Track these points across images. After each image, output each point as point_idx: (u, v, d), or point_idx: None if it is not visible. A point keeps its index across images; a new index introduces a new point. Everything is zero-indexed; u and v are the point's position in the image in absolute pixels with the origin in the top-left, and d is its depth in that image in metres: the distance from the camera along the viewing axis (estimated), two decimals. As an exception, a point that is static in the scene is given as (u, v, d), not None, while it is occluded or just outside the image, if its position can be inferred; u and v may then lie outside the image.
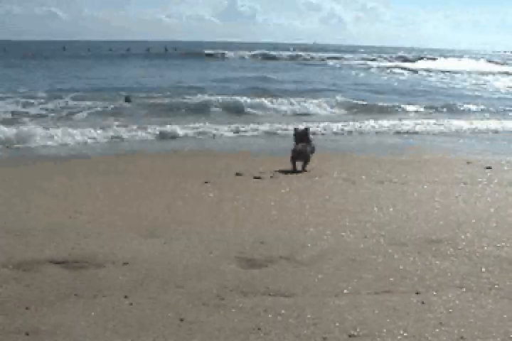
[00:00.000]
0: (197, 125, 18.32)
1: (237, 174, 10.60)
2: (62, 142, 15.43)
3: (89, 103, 22.86)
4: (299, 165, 11.15)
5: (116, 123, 18.28)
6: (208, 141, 16.61)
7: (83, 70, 43.68)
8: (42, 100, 23.49)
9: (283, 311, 4.68)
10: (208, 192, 8.99)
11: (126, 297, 4.95)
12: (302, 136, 11.65)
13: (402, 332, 4.32)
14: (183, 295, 5.01)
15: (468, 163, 12.26)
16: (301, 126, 12.73)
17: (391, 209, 7.95)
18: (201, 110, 22.61)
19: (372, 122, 20.05)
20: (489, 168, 11.56)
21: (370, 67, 60.47)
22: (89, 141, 15.86)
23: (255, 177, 10.26)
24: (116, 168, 11.41)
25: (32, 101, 23.03)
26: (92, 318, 4.57)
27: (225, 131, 17.87)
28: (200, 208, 8.04)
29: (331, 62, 68.92)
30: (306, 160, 11.22)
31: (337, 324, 4.46)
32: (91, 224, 7.12)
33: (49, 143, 15.26)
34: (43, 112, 21.06)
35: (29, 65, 49.03)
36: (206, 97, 24.91)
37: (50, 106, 22.34)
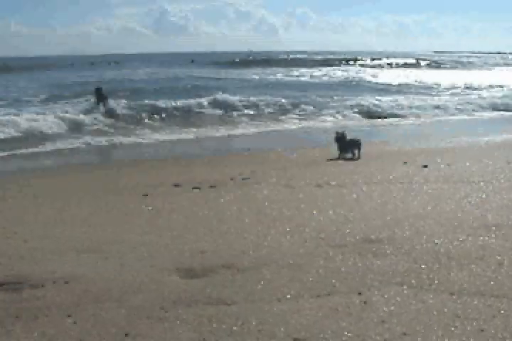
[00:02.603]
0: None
1: (176, 185, 10.53)
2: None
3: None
4: None
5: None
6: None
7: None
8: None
9: (227, 319, 4.65)
10: (147, 205, 8.91)
11: (69, 316, 4.85)
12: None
13: (346, 333, 4.34)
14: (126, 309, 4.94)
15: (404, 162, 12.44)
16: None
17: (330, 212, 8.00)
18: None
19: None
20: (426, 166, 11.74)
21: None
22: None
23: (194, 188, 10.21)
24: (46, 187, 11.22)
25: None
26: (34, 339, 4.47)
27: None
28: (138, 222, 7.95)
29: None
30: None
31: (282, 329, 4.45)
32: (26, 246, 6.95)
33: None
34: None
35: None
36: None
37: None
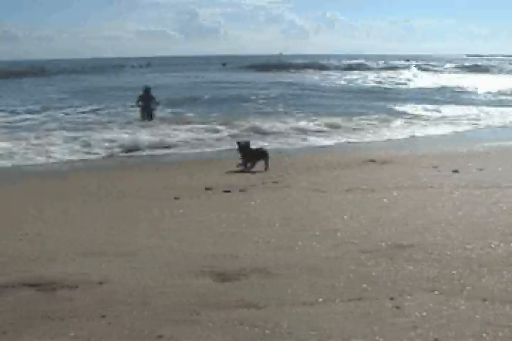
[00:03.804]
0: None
1: (207, 188, 10.60)
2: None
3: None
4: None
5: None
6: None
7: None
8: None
9: (258, 323, 4.67)
10: (178, 209, 8.98)
11: (102, 316, 4.92)
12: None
13: (377, 338, 4.35)
14: (158, 312, 4.99)
15: (434, 167, 12.39)
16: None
17: (360, 217, 8.01)
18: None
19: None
20: (456, 171, 11.68)
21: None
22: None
23: (225, 191, 10.28)
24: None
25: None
26: (68, 340, 4.54)
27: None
28: (169, 225, 8.02)
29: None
30: None
31: (312, 333, 4.47)
32: (56, 248, 7.05)
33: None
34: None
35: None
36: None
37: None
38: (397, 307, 4.88)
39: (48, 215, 8.93)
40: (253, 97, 35.16)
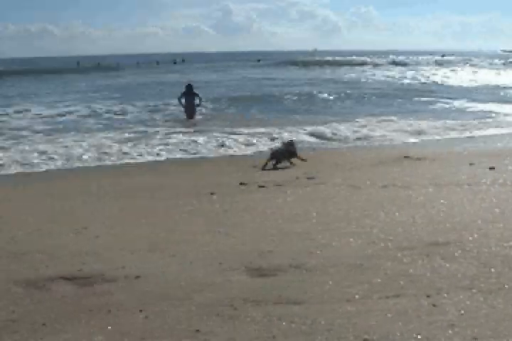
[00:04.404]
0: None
1: (242, 184, 10.64)
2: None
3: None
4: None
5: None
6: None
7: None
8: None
9: (296, 319, 4.71)
10: (214, 204, 9.03)
11: (140, 311, 4.99)
12: None
13: (415, 335, 4.35)
14: (196, 306, 5.05)
15: (470, 164, 12.30)
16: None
17: (396, 214, 7.98)
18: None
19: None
20: (492, 168, 11.58)
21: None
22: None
23: (260, 186, 10.31)
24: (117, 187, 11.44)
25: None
26: (107, 334, 4.61)
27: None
28: (204, 221, 8.09)
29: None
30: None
31: (350, 329, 4.49)
32: (96, 242, 7.17)
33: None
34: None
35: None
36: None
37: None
38: (435, 305, 4.88)
39: (95, 211, 9.04)
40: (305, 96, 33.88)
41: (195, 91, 24.53)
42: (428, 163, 12.92)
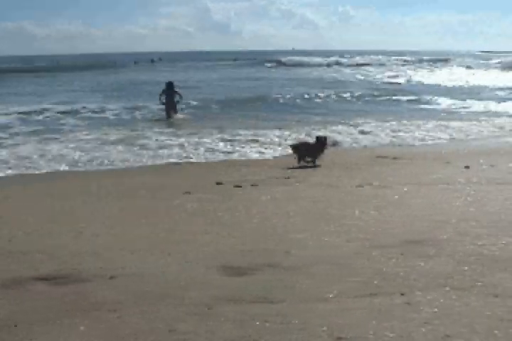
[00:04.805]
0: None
1: (218, 183, 10.62)
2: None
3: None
4: None
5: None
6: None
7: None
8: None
9: (271, 318, 4.70)
10: (189, 204, 9.01)
11: (115, 311, 4.96)
12: None
13: (388, 333, 4.36)
14: (172, 306, 5.03)
15: (446, 163, 12.39)
16: None
17: (373, 213, 8.02)
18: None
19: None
20: (468, 167, 11.68)
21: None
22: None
23: (236, 186, 10.30)
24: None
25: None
26: (82, 333, 4.57)
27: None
28: (181, 220, 8.06)
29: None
30: None
31: (324, 328, 4.49)
32: (76, 243, 7.10)
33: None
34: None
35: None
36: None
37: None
38: (409, 303, 4.90)
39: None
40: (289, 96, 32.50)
41: (176, 89, 24.44)
42: (405, 163, 13.00)
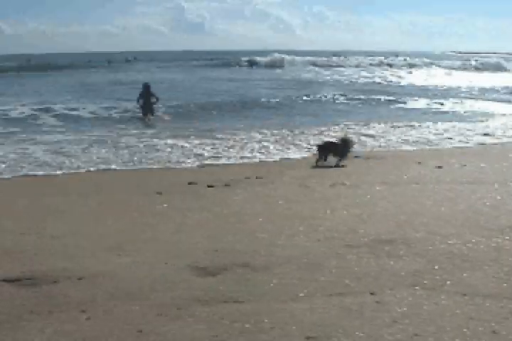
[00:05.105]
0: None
1: (190, 183, 10.57)
2: None
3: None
4: None
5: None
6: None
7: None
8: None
9: (240, 318, 4.68)
10: (161, 203, 8.96)
11: (83, 312, 4.90)
12: None
13: (357, 333, 4.37)
14: (139, 307, 4.99)
15: (418, 163, 12.46)
16: None
17: (344, 212, 8.03)
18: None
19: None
20: (440, 167, 11.75)
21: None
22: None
23: (209, 186, 10.26)
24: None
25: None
26: (48, 335, 4.52)
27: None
28: (152, 220, 8.00)
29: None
30: None
31: (294, 327, 4.48)
32: (43, 242, 7.01)
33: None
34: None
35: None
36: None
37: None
38: (378, 302, 4.91)
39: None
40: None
41: (152, 90, 24.28)
42: (377, 163, 13.03)
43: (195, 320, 4.70)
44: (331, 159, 12.97)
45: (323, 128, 19.00)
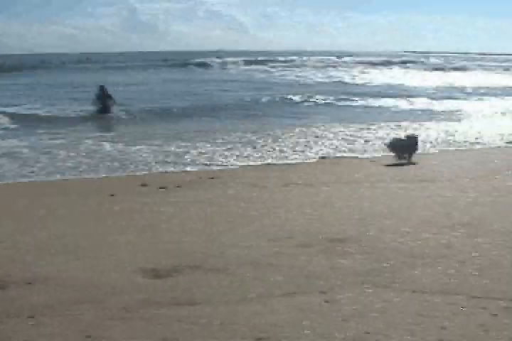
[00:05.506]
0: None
1: (142, 185, 10.50)
2: None
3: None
4: None
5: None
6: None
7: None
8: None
9: (191, 320, 4.64)
10: (112, 206, 8.87)
11: (30, 317, 4.81)
12: None
13: (308, 332, 4.36)
14: (89, 311, 4.91)
15: (371, 161, 12.57)
16: None
17: (297, 212, 8.04)
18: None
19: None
20: (392, 165, 11.89)
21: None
22: None
23: (160, 188, 10.19)
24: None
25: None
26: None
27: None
28: (104, 222, 7.92)
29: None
30: None
31: (244, 328, 4.45)
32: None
33: None
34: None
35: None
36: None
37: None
38: (328, 302, 4.91)
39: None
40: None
41: (109, 92, 24.11)
42: (330, 162, 13.10)
43: (145, 322, 4.64)
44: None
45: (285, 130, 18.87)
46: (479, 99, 30.75)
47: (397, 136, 14.26)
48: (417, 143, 13.23)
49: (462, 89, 37.66)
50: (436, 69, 65.43)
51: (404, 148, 12.99)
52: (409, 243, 6.49)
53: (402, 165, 12.18)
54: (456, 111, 24.76)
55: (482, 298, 4.93)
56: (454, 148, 14.95)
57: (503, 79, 46.33)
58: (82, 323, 4.67)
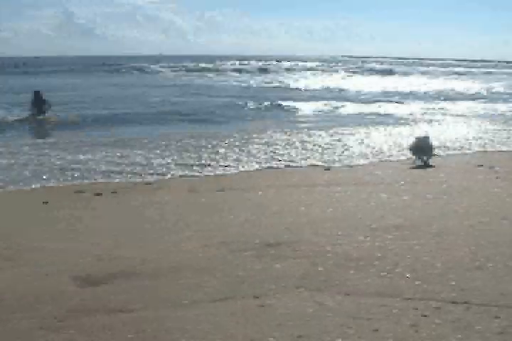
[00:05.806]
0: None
1: (77, 191, 10.34)
2: None
3: None
4: None
5: None
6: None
7: None
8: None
9: (122, 327, 4.57)
10: (47, 213, 8.72)
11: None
12: None
13: (241, 337, 4.33)
14: (18, 320, 4.79)
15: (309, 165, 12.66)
16: None
17: (231, 217, 8.02)
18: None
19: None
20: (328, 169, 11.97)
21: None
22: None
23: (96, 194, 10.06)
24: None
25: None
26: None
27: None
28: (36, 229, 7.78)
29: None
30: None
31: (176, 335, 4.41)
32: None
33: None
34: None
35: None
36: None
37: None
38: (262, 306, 4.89)
39: None
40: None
41: (44, 97, 23.73)
42: (267, 167, 13.12)
43: (76, 331, 4.55)
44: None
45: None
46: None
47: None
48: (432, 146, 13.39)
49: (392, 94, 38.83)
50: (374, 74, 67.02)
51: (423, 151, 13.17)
52: (344, 246, 6.52)
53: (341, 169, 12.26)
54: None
55: (414, 299, 4.98)
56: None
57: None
58: (13, 333, 4.56)
